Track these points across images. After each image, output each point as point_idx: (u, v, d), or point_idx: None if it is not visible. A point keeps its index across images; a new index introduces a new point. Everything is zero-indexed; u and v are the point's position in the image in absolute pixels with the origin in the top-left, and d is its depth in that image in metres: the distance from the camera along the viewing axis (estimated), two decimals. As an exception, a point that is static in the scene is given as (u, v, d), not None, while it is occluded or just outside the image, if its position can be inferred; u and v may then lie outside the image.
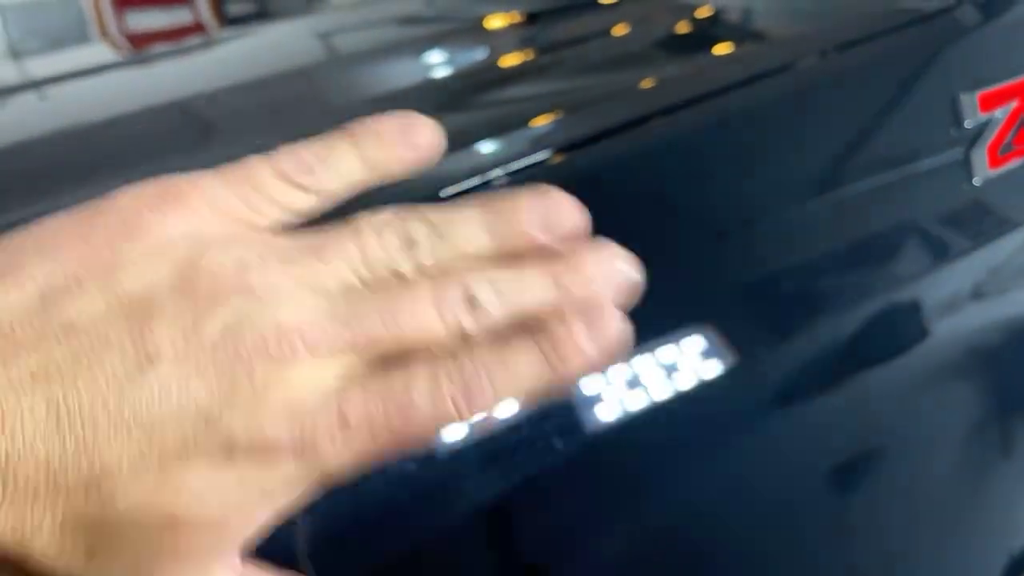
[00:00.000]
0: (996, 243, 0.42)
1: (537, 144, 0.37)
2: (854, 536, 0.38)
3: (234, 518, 0.19)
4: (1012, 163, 0.42)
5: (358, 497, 0.28)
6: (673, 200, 0.36)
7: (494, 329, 0.20)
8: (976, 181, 0.41)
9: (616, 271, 0.21)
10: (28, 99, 0.66)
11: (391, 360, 0.20)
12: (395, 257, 0.21)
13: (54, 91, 0.65)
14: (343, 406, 0.19)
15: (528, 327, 0.20)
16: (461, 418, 0.19)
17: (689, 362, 0.34)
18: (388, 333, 0.20)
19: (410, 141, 0.23)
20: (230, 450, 0.18)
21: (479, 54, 0.60)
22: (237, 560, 0.20)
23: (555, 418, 0.31)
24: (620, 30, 0.58)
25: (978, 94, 0.40)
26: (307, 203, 0.22)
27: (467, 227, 0.22)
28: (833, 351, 0.37)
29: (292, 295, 0.20)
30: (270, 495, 0.19)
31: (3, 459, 0.17)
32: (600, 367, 0.21)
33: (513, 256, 0.21)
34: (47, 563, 0.18)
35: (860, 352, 0.37)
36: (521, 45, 0.61)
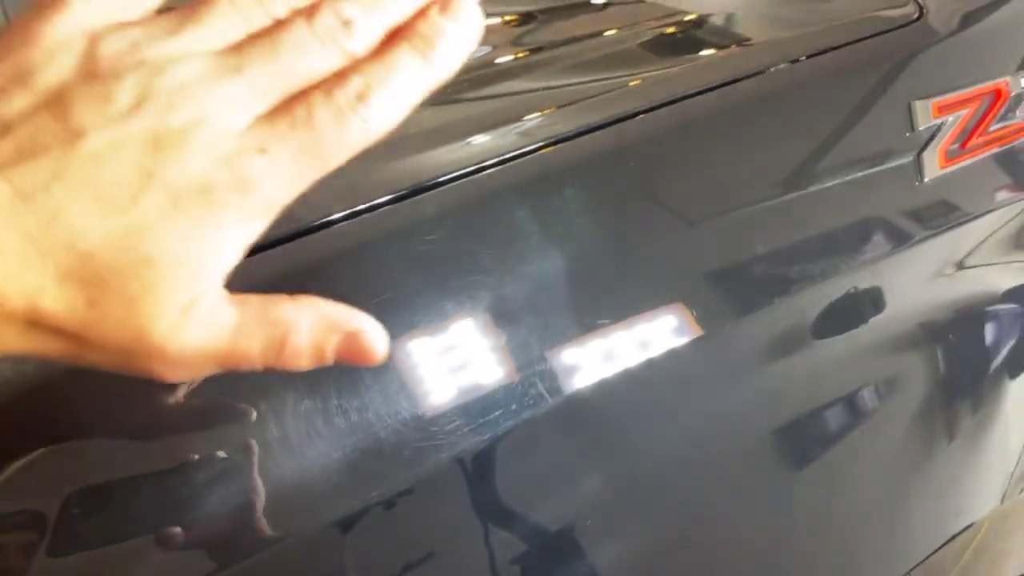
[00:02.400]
0: (942, 236, 0.45)
1: (529, 137, 0.39)
2: (804, 500, 0.41)
3: (204, 255, 0.22)
4: (960, 164, 0.46)
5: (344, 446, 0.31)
6: (650, 192, 0.40)
7: (372, 43, 0.23)
8: (927, 179, 0.45)
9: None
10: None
11: (293, 98, 0.23)
12: (266, 3, 0.23)
13: None
14: (256, 138, 0.22)
15: (398, 32, 0.24)
16: (361, 119, 0.23)
17: (663, 338, 0.37)
18: (277, 69, 0.22)
19: None
20: (175, 198, 0.22)
21: (475, 51, 0.62)
22: (222, 291, 0.23)
23: (540, 382, 0.34)
24: (612, 32, 0.61)
25: (932, 101, 0.44)
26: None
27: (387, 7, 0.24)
28: (792, 331, 0.40)
29: (184, 59, 0.22)
30: (228, 231, 0.22)
31: None
32: (464, 48, 0.24)
33: None
34: (58, 317, 0.21)
35: (816, 332, 0.41)
36: (516, 44, 0.63)
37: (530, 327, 0.35)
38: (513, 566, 0.34)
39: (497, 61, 0.57)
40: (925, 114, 0.44)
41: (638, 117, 0.40)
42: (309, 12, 0.23)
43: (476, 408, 0.33)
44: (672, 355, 0.37)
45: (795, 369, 0.41)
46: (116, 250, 0.21)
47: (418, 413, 0.32)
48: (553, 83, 0.51)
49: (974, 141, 0.46)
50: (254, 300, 0.24)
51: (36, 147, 0.21)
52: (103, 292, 0.22)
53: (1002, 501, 0.52)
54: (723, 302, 0.39)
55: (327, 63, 0.23)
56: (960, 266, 0.48)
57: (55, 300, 0.21)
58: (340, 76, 0.23)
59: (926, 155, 0.44)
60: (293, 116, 0.22)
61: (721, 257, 0.40)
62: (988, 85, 0.46)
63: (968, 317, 0.49)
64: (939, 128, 0.44)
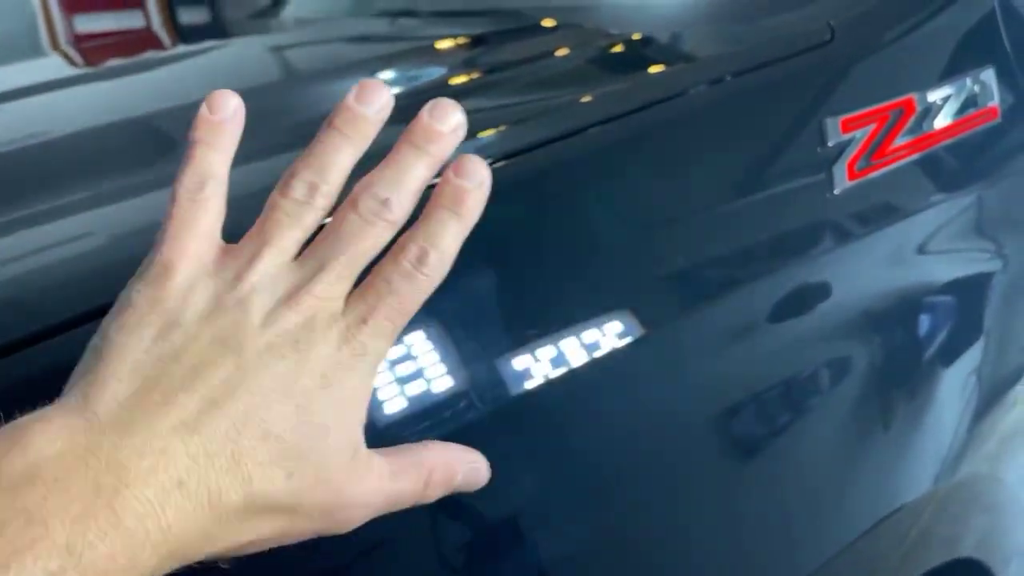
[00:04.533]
0: (855, 243, 0.49)
1: (483, 153, 0.42)
2: (740, 482, 0.44)
3: (353, 413, 0.29)
4: (868, 176, 0.49)
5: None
6: (585, 206, 0.42)
7: (407, 208, 0.30)
8: (836, 191, 0.48)
9: (444, 111, 0.31)
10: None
11: (371, 273, 0.29)
12: (311, 203, 0.29)
13: (9, 107, 0.66)
14: (356, 314, 0.29)
15: (434, 200, 0.30)
16: (425, 275, 0.29)
17: (608, 339, 0.40)
18: (348, 256, 0.29)
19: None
20: (323, 376, 0.28)
21: (430, 73, 0.64)
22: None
23: (491, 388, 0.37)
24: (561, 52, 0.63)
25: (840, 118, 0.47)
26: (216, 208, 0.30)
27: (335, 152, 0.30)
28: (725, 330, 0.44)
29: (277, 275, 0.29)
30: (359, 389, 0.29)
31: (201, 444, 0.25)
32: (483, 199, 0.31)
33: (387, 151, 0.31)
34: (269, 495, 0.26)
35: (748, 331, 0.44)
36: (469, 65, 0.66)
37: (485, 332, 0.37)
38: (461, 556, 0.36)
39: (451, 82, 0.60)
40: (835, 130, 0.47)
41: (570, 138, 0.43)
42: (352, 203, 0.29)
43: (431, 409, 0.35)
44: (619, 352, 0.40)
45: (730, 365, 0.44)
46: (297, 427, 0.27)
47: (376, 416, 0.34)
48: (504, 102, 0.53)
49: (883, 154, 0.49)
50: (390, 449, 0.30)
51: (210, 365, 0.26)
52: (298, 463, 0.27)
53: (935, 484, 0.55)
54: (660, 305, 0.42)
55: (380, 235, 0.29)
56: (887, 267, 0.51)
57: (263, 482, 0.26)
58: (400, 247, 0.29)
59: (836, 168, 0.48)
60: (377, 289, 0.29)
61: (660, 264, 0.43)
62: (895, 101, 0.50)
63: (900, 312, 0.53)
64: (848, 143, 0.48)
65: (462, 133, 0.31)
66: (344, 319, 0.28)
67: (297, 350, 0.27)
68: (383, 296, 0.29)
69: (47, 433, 0.24)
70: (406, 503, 0.30)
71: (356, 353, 0.28)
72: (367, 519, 0.29)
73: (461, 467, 0.32)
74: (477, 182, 0.30)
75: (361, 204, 0.29)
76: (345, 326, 0.28)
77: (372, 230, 0.29)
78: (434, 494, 0.31)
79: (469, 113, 0.53)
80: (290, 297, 0.28)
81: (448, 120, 0.31)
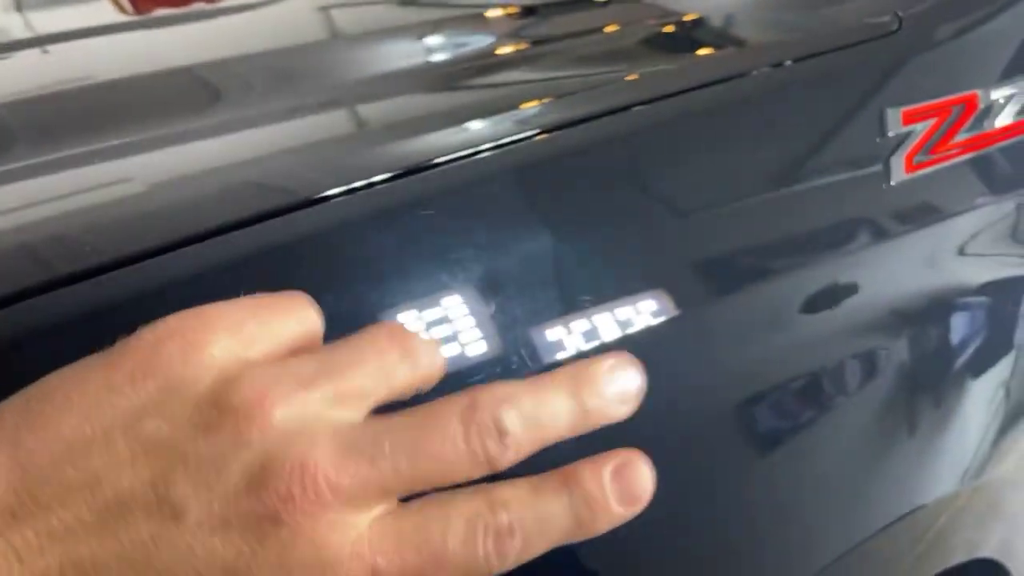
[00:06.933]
0: (904, 237, 0.48)
1: (524, 125, 0.41)
2: (764, 472, 0.44)
3: None
4: (925, 170, 0.49)
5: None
6: (634, 182, 0.42)
7: (518, 459, 0.21)
8: (893, 183, 0.47)
9: (625, 377, 0.23)
10: (31, 54, 0.67)
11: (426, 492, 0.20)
12: (415, 367, 0.21)
13: (57, 48, 0.66)
14: (377, 559, 0.18)
15: (564, 475, 0.21)
16: (490, 569, 0.20)
17: (642, 319, 0.39)
18: (416, 468, 0.19)
19: None
20: None
21: (477, 41, 0.64)
22: None
23: (525, 356, 0.36)
24: (611, 29, 0.62)
25: (902, 110, 0.47)
26: (317, 320, 0.22)
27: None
28: (764, 319, 0.43)
29: (315, 426, 0.19)
30: None
31: None
32: (629, 518, 0.21)
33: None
34: None
35: (786, 322, 0.44)
36: (517, 36, 0.65)
37: (517, 304, 0.37)
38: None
39: (497, 52, 0.59)
40: (895, 121, 0.47)
41: (628, 111, 0.42)
42: (466, 410, 0.20)
43: (464, 377, 0.35)
44: (652, 334, 0.39)
45: (765, 354, 0.44)
46: None
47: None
48: (550, 75, 0.53)
49: (942, 149, 0.49)
50: None
51: (120, 521, 0.18)
52: None
53: (956, 487, 0.55)
54: (699, 289, 0.42)
55: (466, 472, 0.20)
56: (928, 266, 0.51)
57: None
58: (489, 504, 0.20)
59: (893, 160, 0.47)
60: (424, 532, 0.19)
61: (701, 246, 0.43)
62: (958, 96, 0.49)
63: (935, 314, 0.52)
64: (908, 135, 0.47)
65: (631, 407, 0.23)
66: (352, 547, 0.18)
67: (256, 559, 0.18)
68: (424, 550, 0.19)
69: None
70: None
71: None
72: None
73: None
74: (637, 494, 0.22)
75: (477, 416, 0.20)
76: (350, 555, 0.18)
77: (463, 461, 0.20)
78: None
79: (515, 84, 0.52)
80: (300, 472, 0.18)
81: (626, 391, 0.23)
